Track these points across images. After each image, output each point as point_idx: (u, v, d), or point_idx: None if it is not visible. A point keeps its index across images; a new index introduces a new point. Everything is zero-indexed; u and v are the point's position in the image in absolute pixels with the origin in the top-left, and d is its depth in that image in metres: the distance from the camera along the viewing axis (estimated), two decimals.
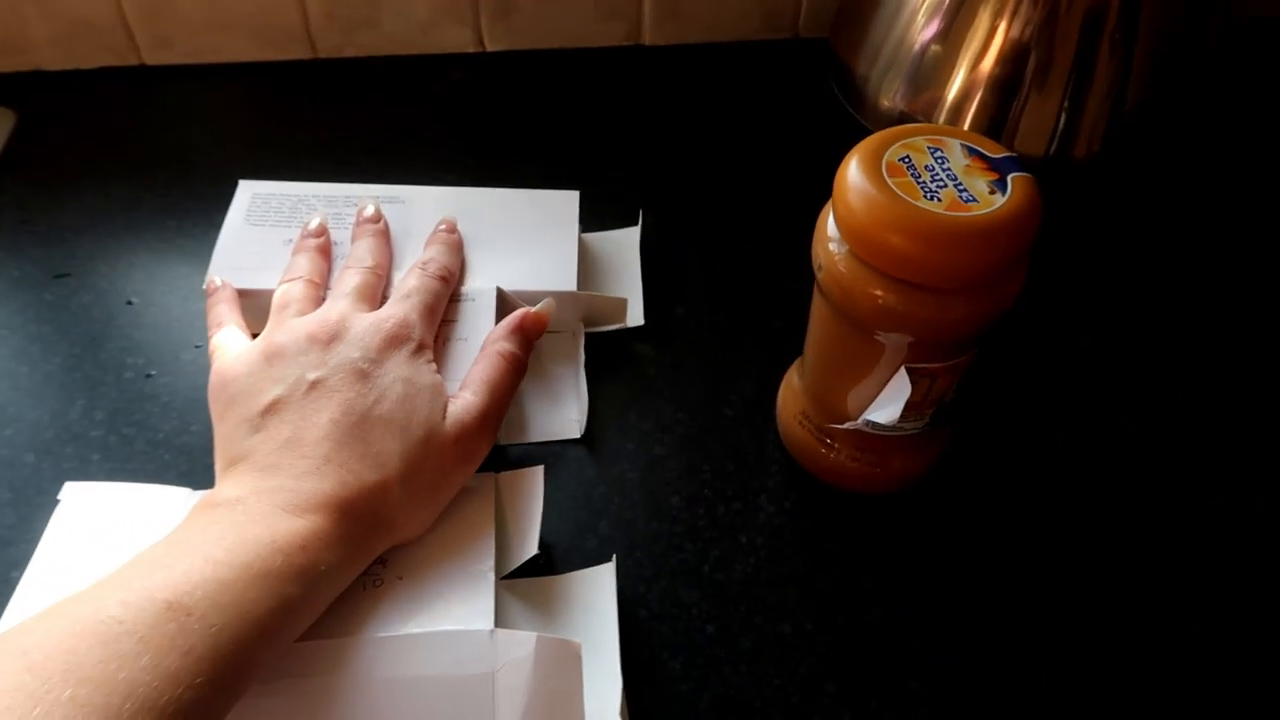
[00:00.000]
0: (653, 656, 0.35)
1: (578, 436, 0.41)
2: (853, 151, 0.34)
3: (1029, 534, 0.39)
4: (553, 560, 0.37)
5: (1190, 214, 0.54)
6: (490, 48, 0.62)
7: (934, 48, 0.52)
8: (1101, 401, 0.44)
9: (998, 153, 0.34)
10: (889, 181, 0.32)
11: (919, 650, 0.35)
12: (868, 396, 0.36)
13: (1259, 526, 0.40)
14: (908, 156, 0.33)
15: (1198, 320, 0.48)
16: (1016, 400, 0.44)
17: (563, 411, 0.42)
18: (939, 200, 0.32)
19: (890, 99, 0.54)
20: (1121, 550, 0.39)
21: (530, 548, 0.35)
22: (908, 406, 0.36)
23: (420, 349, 0.37)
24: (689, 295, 0.47)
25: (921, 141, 0.34)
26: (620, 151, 0.56)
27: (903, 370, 0.35)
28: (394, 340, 0.36)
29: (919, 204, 0.32)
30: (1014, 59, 0.50)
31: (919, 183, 0.32)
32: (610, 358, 0.44)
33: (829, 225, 0.35)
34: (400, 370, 0.36)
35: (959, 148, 0.34)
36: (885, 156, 0.33)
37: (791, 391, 0.41)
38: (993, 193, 0.32)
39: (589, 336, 0.44)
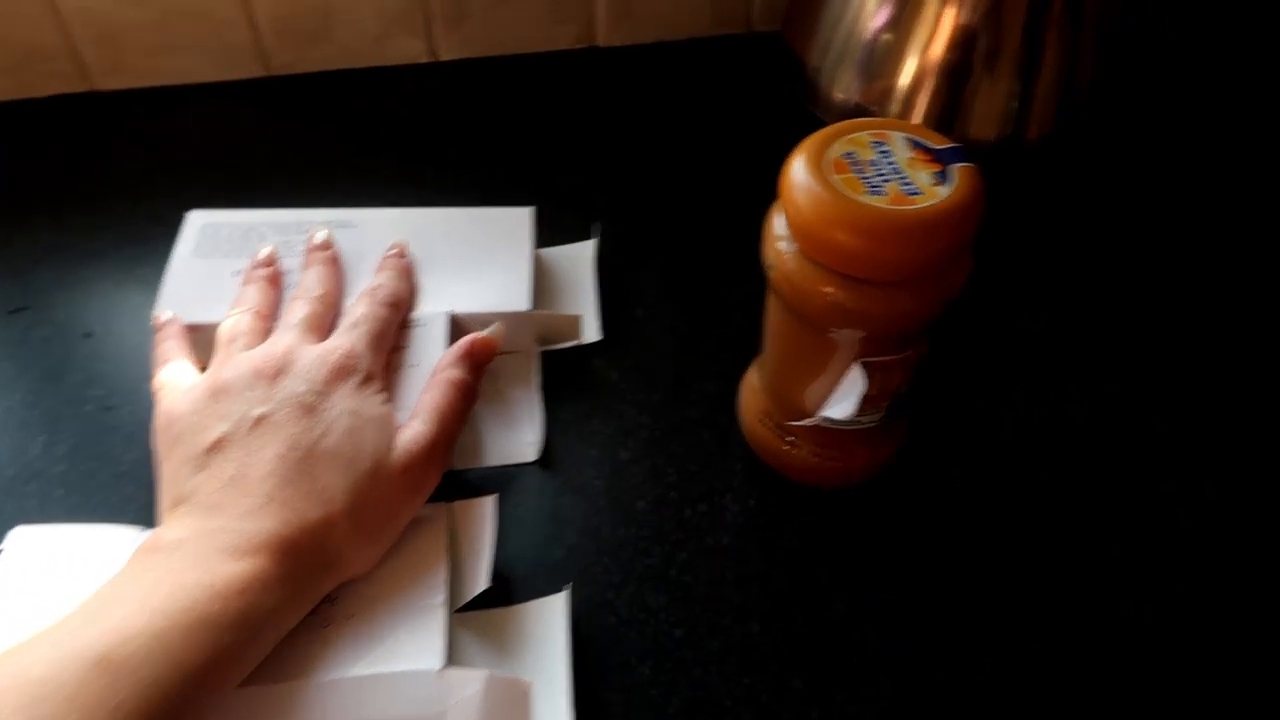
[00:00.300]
0: (622, 662, 0.35)
1: (534, 459, 0.41)
2: (796, 150, 0.34)
3: (984, 523, 0.40)
4: (515, 578, 0.37)
5: (1144, 195, 0.54)
6: (444, 57, 0.61)
7: (884, 36, 0.52)
8: (1051, 387, 0.44)
9: (941, 144, 0.34)
10: (833, 178, 0.32)
11: (878, 642, 0.36)
12: (825, 392, 0.36)
13: (1209, 513, 0.40)
14: (852, 152, 0.34)
15: (1149, 306, 0.48)
16: (972, 388, 0.44)
17: (519, 434, 0.41)
18: (883, 194, 0.32)
19: (844, 91, 0.54)
20: (1073, 537, 0.39)
21: (482, 581, 0.35)
22: (864, 400, 0.36)
23: (368, 379, 0.37)
24: (649, 299, 0.47)
25: (865, 136, 0.34)
26: (578, 156, 0.56)
27: (856, 365, 0.35)
28: (341, 372, 0.36)
29: (862, 199, 0.32)
30: (963, 44, 0.50)
31: (863, 178, 0.32)
32: (569, 374, 0.44)
33: (777, 224, 0.35)
34: (347, 402, 0.35)
35: (902, 141, 0.34)
36: (829, 153, 0.33)
37: (752, 390, 0.41)
38: (936, 184, 0.32)
39: (546, 355, 0.44)
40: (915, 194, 0.32)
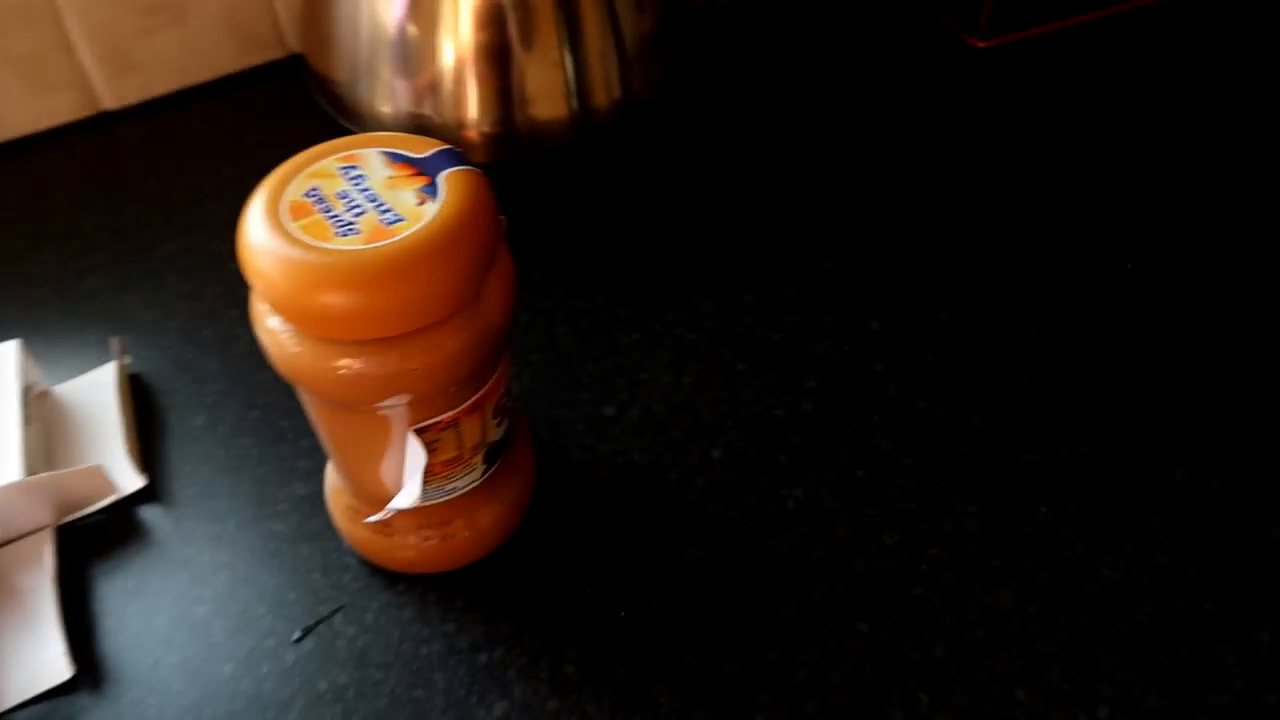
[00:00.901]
0: None
1: (69, 676, 0.31)
2: (246, 205, 0.27)
3: (617, 527, 0.35)
4: None
5: (726, 150, 0.51)
6: None
7: (409, 29, 0.46)
8: (642, 369, 0.40)
9: (424, 150, 0.28)
10: (293, 228, 0.26)
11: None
12: (401, 471, 0.30)
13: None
14: (315, 188, 0.27)
15: (725, 273, 0.46)
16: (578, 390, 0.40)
17: (42, 649, 0.31)
18: (357, 233, 0.26)
19: (384, 102, 0.47)
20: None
21: None
22: (447, 464, 0.30)
23: None
24: (209, 406, 0.39)
25: (330, 164, 0.28)
26: (98, 252, 0.45)
27: (409, 438, 0.29)
28: None
29: (331, 246, 0.25)
30: (494, 21, 0.45)
31: (331, 218, 0.26)
32: (111, 539, 0.35)
33: (258, 304, 0.28)
34: None
35: (378, 158, 0.28)
36: (286, 197, 0.27)
37: (335, 488, 0.34)
38: (422, 202, 0.26)
39: (71, 528, 0.35)
40: (397, 221, 0.26)
